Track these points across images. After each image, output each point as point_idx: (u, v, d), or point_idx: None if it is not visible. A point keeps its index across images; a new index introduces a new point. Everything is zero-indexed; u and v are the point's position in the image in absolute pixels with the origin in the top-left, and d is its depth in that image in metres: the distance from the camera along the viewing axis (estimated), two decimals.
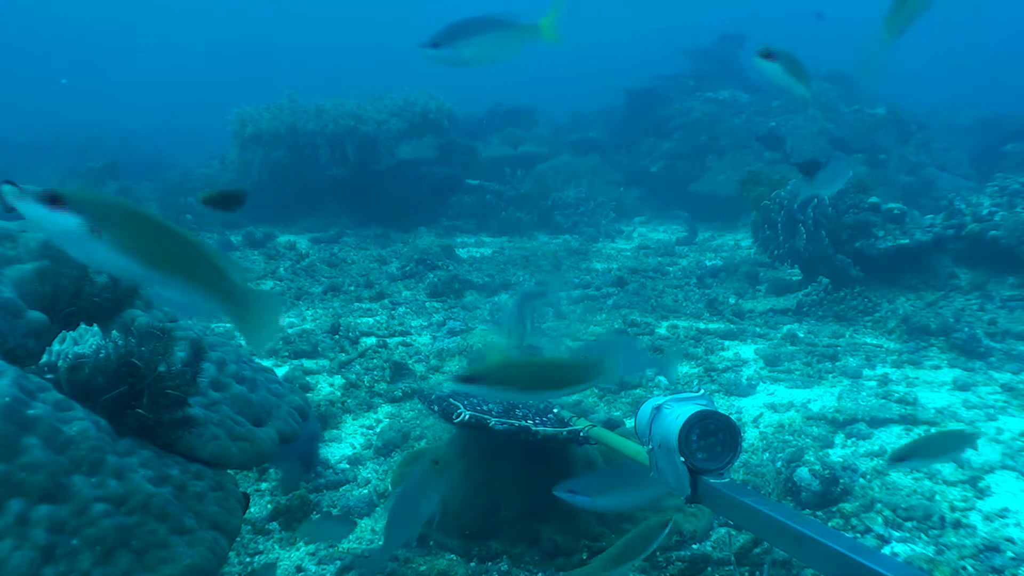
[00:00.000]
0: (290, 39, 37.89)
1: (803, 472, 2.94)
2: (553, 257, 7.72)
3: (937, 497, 2.90)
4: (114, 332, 1.84)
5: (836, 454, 3.32)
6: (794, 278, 6.15)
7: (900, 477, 3.08)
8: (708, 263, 7.30)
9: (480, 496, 2.57)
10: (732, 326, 5.15)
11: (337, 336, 4.89)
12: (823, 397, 3.93)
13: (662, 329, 5.15)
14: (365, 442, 3.55)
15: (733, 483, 2.06)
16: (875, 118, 11.20)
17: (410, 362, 4.47)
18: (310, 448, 3.27)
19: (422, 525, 2.53)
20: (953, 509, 2.83)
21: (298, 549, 2.68)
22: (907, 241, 5.73)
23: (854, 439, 3.45)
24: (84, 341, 1.74)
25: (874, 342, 4.81)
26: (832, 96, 11.90)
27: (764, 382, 4.20)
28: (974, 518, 2.78)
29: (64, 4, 38.65)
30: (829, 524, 2.73)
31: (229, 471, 1.90)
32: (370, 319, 5.46)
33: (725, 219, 9.39)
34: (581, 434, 2.57)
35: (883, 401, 3.73)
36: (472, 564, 2.52)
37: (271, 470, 3.14)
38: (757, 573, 2.41)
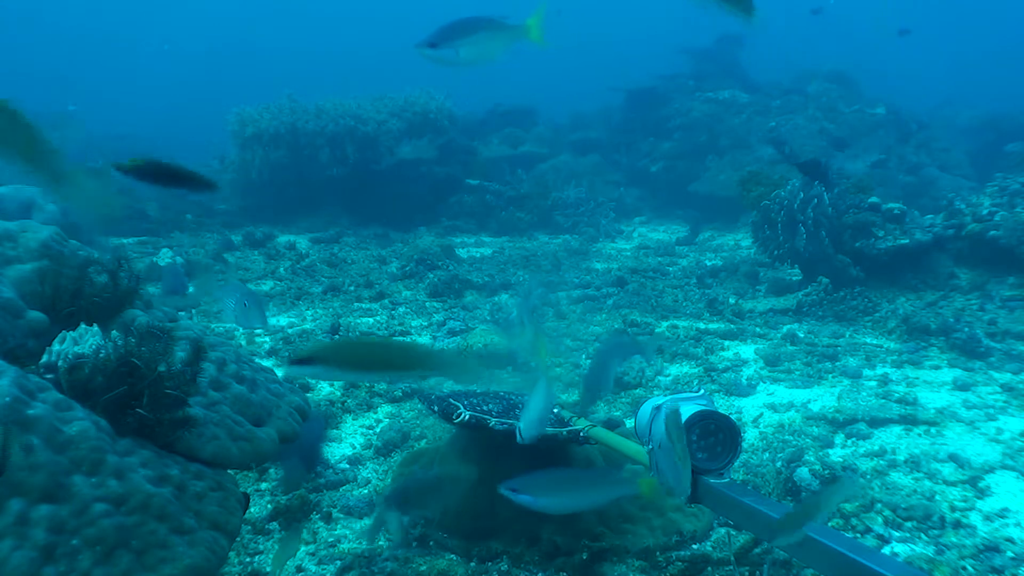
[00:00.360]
0: (290, 39, 37.89)
1: (803, 472, 2.94)
2: (553, 257, 7.72)
3: (937, 497, 2.90)
4: (114, 332, 1.84)
5: (836, 454, 3.32)
6: (794, 278, 6.15)
7: (900, 477, 3.08)
8: (708, 263, 7.30)
9: (480, 496, 2.56)
10: (732, 326, 5.15)
11: (337, 336, 4.89)
12: (823, 397, 3.93)
13: (662, 329, 5.15)
14: (365, 442, 3.55)
15: (733, 483, 2.06)
16: (875, 118, 11.20)
17: None
18: (314, 448, 3.27)
19: (423, 525, 2.54)
20: (953, 509, 2.83)
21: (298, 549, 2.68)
22: (907, 241, 5.74)
23: (854, 439, 3.44)
24: (84, 341, 1.75)
25: (874, 342, 4.81)
26: (832, 96, 11.92)
27: (764, 382, 4.20)
28: (974, 518, 2.78)
29: (64, 4, 38.66)
30: (829, 524, 2.73)
31: (229, 471, 1.90)
32: (370, 319, 5.46)
33: (725, 219, 9.39)
34: (581, 434, 2.57)
35: (883, 401, 3.73)
36: (472, 564, 2.52)
37: (271, 470, 3.14)
38: (757, 573, 2.41)
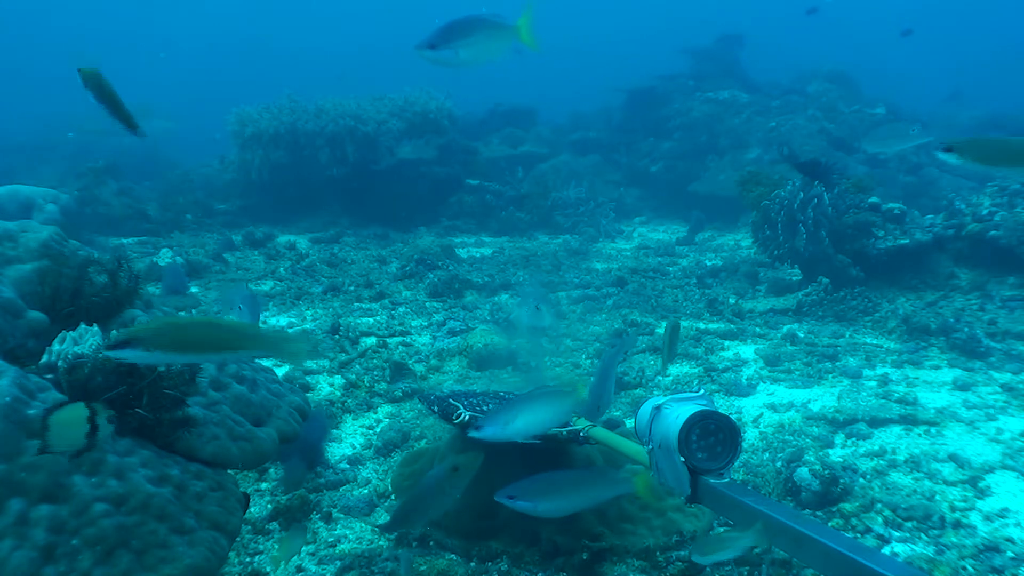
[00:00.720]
0: (290, 39, 37.88)
1: (803, 472, 2.94)
2: (553, 257, 7.73)
3: (937, 497, 2.90)
4: (113, 332, 1.84)
5: (836, 454, 3.32)
6: (794, 278, 6.15)
7: (900, 477, 3.08)
8: (708, 263, 7.30)
9: (480, 496, 2.56)
10: (732, 326, 5.15)
11: (337, 336, 4.89)
12: (823, 397, 3.93)
13: (662, 329, 5.15)
14: (365, 442, 3.55)
15: (733, 483, 2.05)
16: (875, 118, 11.20)
17: (410, 362, 4.47)
18: (315, 446, 3.27)
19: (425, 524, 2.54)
20: (953, 509, 2.83)
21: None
22: (907, 241, 5.74)
23: (854, 439, 3.44)
24: (84, 341, 1.75)
25: (874, 342, 4.81)
26: (832, 96, 11.92)
27: (764, 382, 4.20)
28: (974, 518, 2.78)
29: (65, 4, 38.65)
30: (829, 524, 2.73)
31: (229, 471, 1.90)
32: (370, 319, 5.46)
33: (725, 219, 9.39)
34: (581, 434, 2.57)
35: (883, 401, 3.73)
36: (472, 564, 2.52)
37: (271, 470, 3.14)
38: (755, 573, 2.41)
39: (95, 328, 1.80)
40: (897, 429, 3.52)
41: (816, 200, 5.69)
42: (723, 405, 3.91)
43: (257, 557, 2.62)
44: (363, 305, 5.85)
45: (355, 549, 2.66)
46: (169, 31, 37.93)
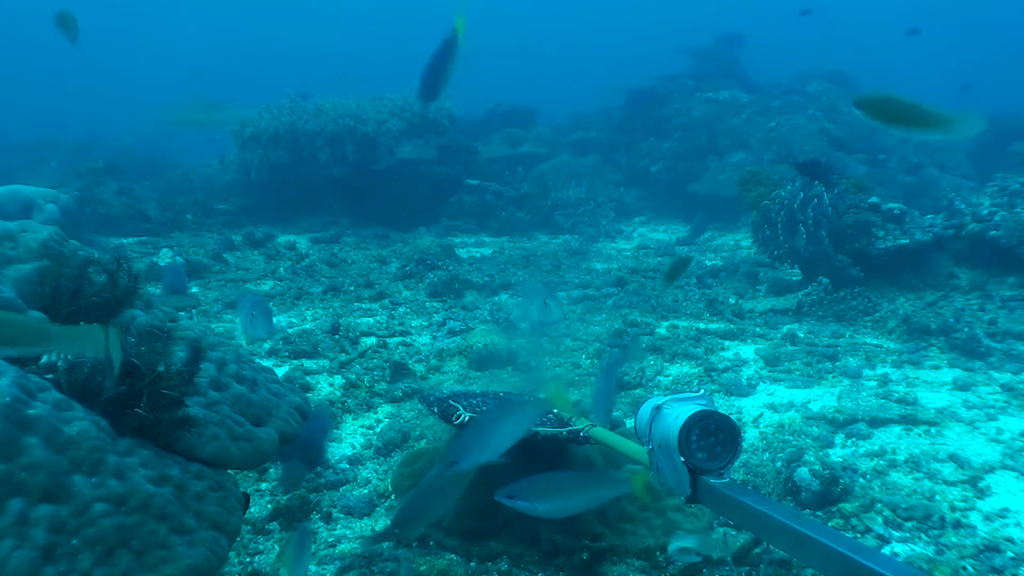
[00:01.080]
0: (290, 39, 37.89)
1: (803, 472, 2.94)
2: (553, 257, 7.72)
3: (937, 497, 2.91)
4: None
5: (836, 454, 3.32)
6: (794, 278, 6.15)
7: (900, 477, 3.08)
8: (708, 263, 7.30)
9: (480, 496, 2.56)
10: (732, 326, 5.15)
11: (337, 336, 4.89)
12: (823, 397, 3.93)
13: (662, 329, 5.15)
14: (365, 442, 3.55)
15: (733, 483, 2.05)
16: None
17: (410, 362, 4.47)
18: (317, 445, 3.27)
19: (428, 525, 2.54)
20: (953, 509, 2.83)
21: None
22: (907, 241, 5.74)
23: (854, 439, 3.44)
24: None
25: (874, 342, 4.81)
26: (832, 96, 11.92)
27: (764, 382, 4.20)
28: (974, 518, 2.78)
29: (64, 3, 38.60)
30: (829, 524, 2.73)
31: (229, 471, 1.90)
32: (370, 319, 5.46)
33: (725, 219, 9.40)
34: (581, 434, 2.57)
35: (883, 401, 3.73)
36: (472, 564, 2.52)
37: (271, 470, 3.14)
38: (753, 573, 2.41)
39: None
40: (897, 429, 3.52)
41: (816, 200, 5.69)
42: (723, 405, 3.92)
43: (257, 557, 2.62)
44: (363, 305, 5.86)
45: (355, 549, 2.66)
46: (169, 31, 37.94)
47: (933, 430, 3.49)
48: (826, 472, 2.90)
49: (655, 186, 11.16)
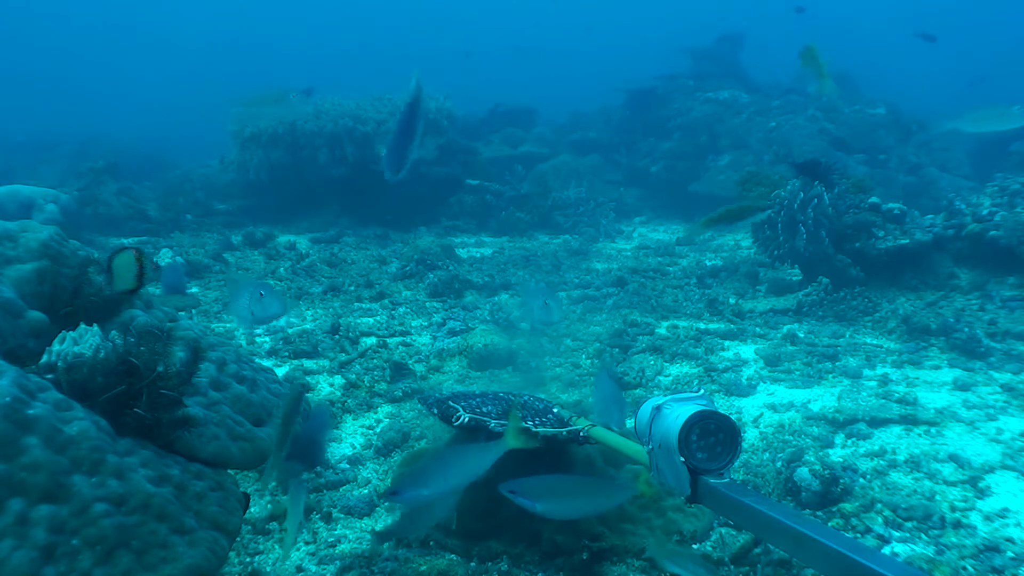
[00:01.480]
0: (290, 39, 37.89)
1: (803, 472, 2.94)
2: (553, 257, 7.72)
3: (937, 497, 2.90)
4: (113, 332, 1.84)
5: (836, 454, 3.32)
6: (794, 278, 6.15)
7: (900, 477, 3.08)
8: (708, 263, 7.29)
9: (480, 496, 2.56)
10: (732, 326, 5.15)
11: (337, 336, 4.89)
12: (823, 397, 3.93)
13: (662, 329, 5.15)
14: (365, 442, 3.55)
15: (733, 483, 2.05)
16: (875, 118, 11.20)
17: (410, 362, 4.47)
18: (318, 443, 3.26)
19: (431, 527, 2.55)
20: (953, 509, 2.83)
21: (298, 549, 2.68)
22: (907, 241, 5.73)
23: (854, 439, 3.44)
24: (83, 341, 1.74)
25: (874, 342, 4.81)
26: (832, 96, 11.90)
27: (764, 382, 4.20)
28: (974, 518, 2.78)
29: (65, 3, 38.66)
30: (829, 524, 2.73)
31: (229, 471, 1.90)
32: (370, 319, 5.46)
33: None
34: (581, 434, 2.57)
35: (883, 401, 3.73)
36: (472, 564, 2.52)
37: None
38: (753, 573, 2.41)
39: (95, 328, 1.80)
40: (897, 429, 3.52)
41: (816, 200, 5.69)
42: (723, 405, 3.91)
43: (257, 557, 2.62)
44: (363, 305, 5.85)
45: (355, 549, 2.66)
46: (170, 31, 37.93)
47: (933, 430, 3.49)
48: (826, 472, 2.90)
49: (655, 186, 11.16)
